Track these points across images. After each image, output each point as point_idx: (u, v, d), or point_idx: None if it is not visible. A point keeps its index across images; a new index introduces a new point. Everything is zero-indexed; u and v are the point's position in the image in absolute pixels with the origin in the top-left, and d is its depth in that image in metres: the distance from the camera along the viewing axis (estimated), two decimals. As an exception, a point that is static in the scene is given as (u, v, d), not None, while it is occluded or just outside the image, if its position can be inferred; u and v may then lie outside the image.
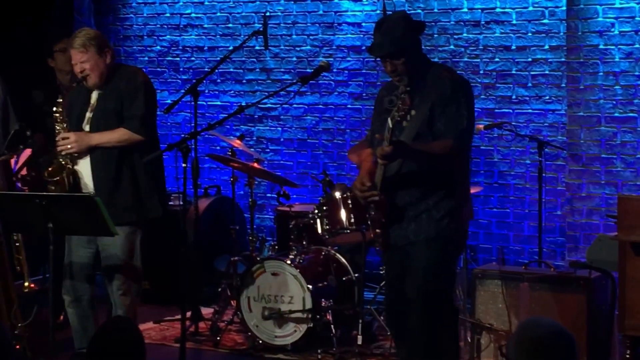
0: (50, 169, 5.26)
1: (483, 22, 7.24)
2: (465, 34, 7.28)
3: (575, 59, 6.81)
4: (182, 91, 6.32)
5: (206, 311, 6.59)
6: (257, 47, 7.91)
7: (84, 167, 5.33)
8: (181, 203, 5.43)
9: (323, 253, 6.19)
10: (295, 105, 7.90)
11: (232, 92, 8.18)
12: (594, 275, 5.42)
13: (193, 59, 8.30)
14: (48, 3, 7.87)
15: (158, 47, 8.41)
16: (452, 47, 7.26)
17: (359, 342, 5.82)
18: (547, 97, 7.10)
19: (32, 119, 6.32)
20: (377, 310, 6.24)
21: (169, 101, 6.97)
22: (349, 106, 7.78)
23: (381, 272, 6.26)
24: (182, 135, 5.21)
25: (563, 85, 6.99)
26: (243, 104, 6.78)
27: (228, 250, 6.79)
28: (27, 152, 6.11)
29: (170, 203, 7.32)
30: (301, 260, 6.02)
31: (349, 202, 6.01)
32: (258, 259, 6.13)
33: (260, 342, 5.98)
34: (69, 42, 5.37)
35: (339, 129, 7.82)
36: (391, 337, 5.72)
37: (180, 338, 5.23)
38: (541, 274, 5.67)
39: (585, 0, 6.75)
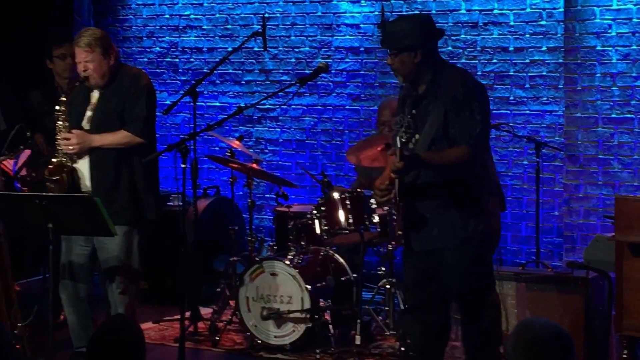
0: (50, 167, 5.28)
1: (481, 24, 7.27)
2: (463, 36, 7.31)
3: (573, 61, 6.83)
4: (181, 92, 6.33)
5: (205, 311, 6.60)
6: (256, 49, 7.93)
7: (83, 167, 5.35)
8: (180, 203, 5.46)
9: (321, 253, 6.21)
10: (293, 106, 7.92)
11: (231, 93, 8.20)
12: (591, 275, 5.44)
13: (192, 60, 8.32)
14: (48, 4, 7.88)
15: (157, 48, 8.43)
16: (450, 48, 7.28)
17: (357, 342, 5.83)
18: (545, 98, 7.12)
19: (31, 120, 6.33)
20: (375, 311, 6.26)
21: (168, 102, 6.98)
22: (347, 107, 7.80)
23: (379, 273, 6.29)
24: (181, 136, 5.24)
25: (560, 86, 7.01)
26: (242, 105, 6.86)
27: (227, 251, 6.81)
28: (27, 152, 6.13)
29: (170, 203, 7.36)
30: (300, 261, 6.04)
31: (347, 202, 6.04)
32: (257, 259, 6.14)
33: (259, 342, 5.99)
34: (75, 40, 5.38)
35: (338, 129, 7.84)
36: (397, 335, 5.76)
37: (180, 338, 5.25)
38: (539, 275, 5.69)
39: (583, 2, 6.77)
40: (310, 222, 6.16)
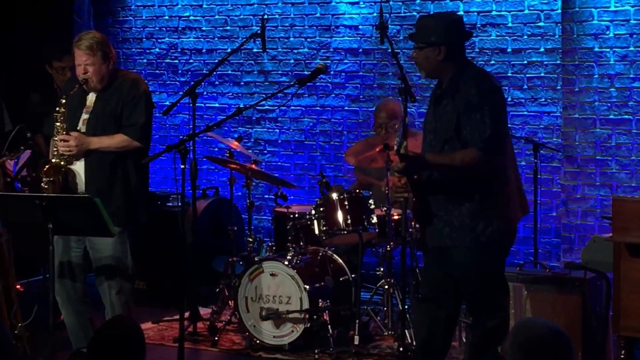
0: (46, 168, 5.29)
1: (479, 25, 7.29)
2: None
3: (571, 62, 6.85)
4: (181, 93, 6.36)
5: (204, 311, 6.62)
6: (255, 50, 7.95)
7: (79, 170, 5.36)
8: (180, 204, 5.47)
9: (320, 254, 6.22)
10: (292, 107, 7.94)
11: (230, 94, 8.22)
12: (589, 276, 5.43)
13: (191, 61, 8.34)
14: (48, 5, 7.90)
15: (157, 50, 8.45)
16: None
17: (356, 342, 5.86)
18: (543, 100, 7.14)
19: (30, 121, 6.35)
20: (374, 311, 6.28)
21: (167, 103, 7.00)
22: (346, 108, 7.82)
23: (378, 273, 6.31)
24: (181, 137, 5.25)
25: (558, 87, 7.03)
26: (241, 105, 6.87)
27: (226, 251, 6.82)
28: (27, 153, 6.15)
29: (169, 204, 7.37)
30: (298, 261, 6.06)
31: (346, 203, 6.06)
32: (256, 259, 6.16)
33: (258, 342, 6.01)
34: (74, 42, 5.40)
35: (336, 130, 7.86)
36: (396, 336, 5.80)
37: (179, 338, 5.26)
38: (536, 275, 5.69)
39: (581, 3, 6.79)
40: (309, 222, 6.18)
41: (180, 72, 8.37)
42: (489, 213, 4.59)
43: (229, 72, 8.16)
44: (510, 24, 7.20)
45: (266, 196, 8.02)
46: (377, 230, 6.12)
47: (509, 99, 7.21)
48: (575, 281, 5.45)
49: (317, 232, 6.13)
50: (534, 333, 3.11)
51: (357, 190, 6.28)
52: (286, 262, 5.99)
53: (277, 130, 8.04)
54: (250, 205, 6.52)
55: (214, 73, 6.89)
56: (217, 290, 6.61)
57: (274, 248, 6.42)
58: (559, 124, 7.02)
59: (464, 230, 4.59)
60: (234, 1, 8.11)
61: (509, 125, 6.96)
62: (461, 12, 7.30)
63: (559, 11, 6.96)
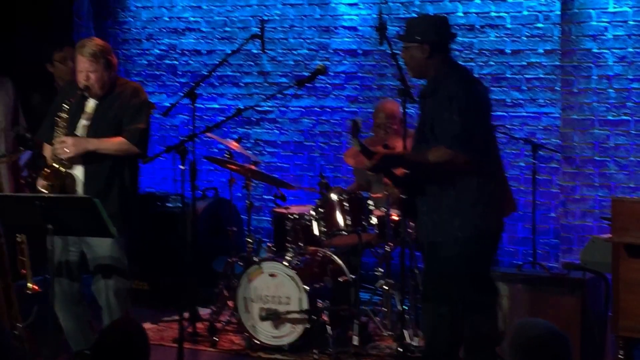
0: (45, 172, 5.28)
1: (478, 26, 7.30)
2: (460, 38, 7.29)
3: (569, 63, 6.86)
4: (180, 94, 6.38)
5: (204, 312, 6.63)
6: (254, 51, 7.95)
7: (77, 174, 5.35)
8: (179, 205, 5.49)
9: (319, 254, 6.23)
10: (292, 108, 7.95)
11: (229, 95, 8.22)
12: (588, 276, 5.45)
13: (191, 62, 8.35)
14: (48, 6, 7.91)
15: (156, 51, 8.46)
16: (447, 50, 7.30)
17: (355, 342, 5.87)
18: (541, 101, 7.15)
19: (31, 122, 6.36)
20: (373, 311, 6.28)
21: (167, 104, 7.01)
22: (345, 109, 7.83)
23: (377, 274, 6.32)
24: (180, 138, 5.27)
25: (557, 88, 7.04)
26: (240, 106, 6.86)
27: (225, 252, 6.83)
28: (28, 154, 6.16)
29: (169, 205, 7.38)
30: (298, 262, 6.07)
31: (345, 204, 6.07)
32: (255, 260, 6.17)
33: (257, 342, 6.02)
34: (77, 47, 5.39)
35: (336, 131, 7.87)
36: (395, 336, 5.83)
37: (178, 338, 5.29)
38: (535, 276, 5.70)
39: (579, 5, 6.80)
40: (308, 223, 6.19)
41: (179, 73, 8.38)
42: (467, 209, 4.66)
43: (229, 73, 8.17)
44: (509, 25, 7.21)
45: (265, 197, 8.03)
46: (376, 231, 6.14)
47: (508, 100, 7.22)
48: (574, 282, 5.46)
49: (316, 232, 6.14)
50: (533, 334, 3.13)
51: (356, 191, 6.30)
52: (285, 263, 6.00)
53: (277, 131, 8.05)
54: (249, 205, 6.53)
55: (214, 74, 6.90)
56: (217, 290, 6.62)
57: (273, 249, 6.42)
58: (558, 124, 7.03)
59: (444, 225, 4.68)
60: (233, 2, 8.12)
61: (508, 126, 7.03)
62: (460, 14, 7.33)
63: (558, 12, 6.98)
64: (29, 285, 5.73)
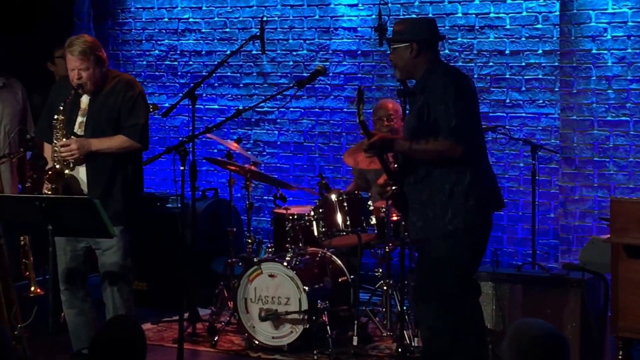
0: (48, 175, 5.29)
1: (477, 27, 7.31)
2: (459, 39, 7.35)
3: (569, 64, 6.87)
4: (180, 95, 6.37)
5: (204, 312, 6.64)
6: (254, 52, 7.97)
7: (80, 174, 5.37)
8: (179, 205, 5.50)
9: (319, 255, 6.24)
10: (291, 109, 7.96)
11: (229, 95, 8.23)
12: (587, 277, 5.45)
13: (191, 63, 8.35)
14: (48, 7, 7.91)
15: (156, 52, 8.47)
16: (446, 51, 7.32)
17: (355, 342, 5.88)
18: (541, 101, 7.16)
19: (32, 122, 6.37)
20: (373, 312, 6.29)
21: (167, 105, 7.01)
22: (344, 110, 7.84)
23: (376, 274, 6.32)
24: (180, 139, 5.28)
25: (556, 89, 7.05)
26: (240, 107, 6.86)
27: (225, 252, 6.84)
28: (28, 154, 6.16)
29: (169, 205, 7.39)
30: (297, 262, 6.07)
31: (345, 204, 6.08)
32: (255, 260, 6.18)
33: (257, 343, 6.03)
34: (66, 46, 5.40)
35: (335, 132, 7.88)
36: (394, 336, 5.84)
37: (178, 339, 5.29)
38: (534, 276, 5.71)
39: (578, 6, 6.81)
40: (308, 224, 6.19)
41: (179, 74, 8.39)
42: (459, 203, 4.68)
43: (228, 74, 8.18)
44: (508, 26, 7.21)
45: (265, 197, 8.04)
46: (375, 231, 6.14)
47: (507, 101, 7.23)
48: (573, 282, 5.47)
49: (316, 233, 6.15)
50: (532, 334, 3.13)
51: (356, 192, 6.30)
52: (285, 263, 6.01)
53: (276, 132, 8.06)
54: (249, 206, 6.54)
55: (214, 75, 6.91)
56: (217, 291, 6.63)
57: (273, 249, 6.43)
58: (557, 125, 7.04)
59: (435, 220, 4.70)
60: (233, 3, 8.12)
61: (508, 127, 7.03)
62: (459, 14, 7.33)
63: (557, 13, 6.98)
64: (32, 288, 5.75)
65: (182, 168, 5.17)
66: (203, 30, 8.26)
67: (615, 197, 6.42)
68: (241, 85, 8.17)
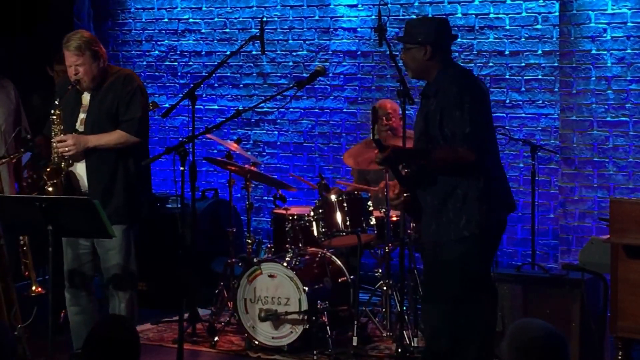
0: (47, 171, 5.31)
1: (477, 28, 7.31)
2: (459, 39, 7.32)
3: (568, 64, 6.87)
4: (180, 95, 6.38)
5: (203, 312, 6.64)
6: (254, 52, 7.97)
7: (80, 170, 5.39)
8: (179, 206, 5.50)
9: (319, 255, 6.24)
10: (291, 110, 7.96)
11: (229, 96, 8.24)
12: (587, 277, 5.46)
13: (191, 63, 8.36)
14: (48, 8, 7.92)
15: (156, 52, 8.47)
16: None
17: (354, 343, 5.88)
18: (540, 102, 7.16)
19: (31, 123, 6.37)
20: (372, 312, 6.30)
21: (167, 105, 7.01)
22: (344, 110, 7.84)
23: (376, 274, 6.33)
24: (180, 139, 5.28)
25: (556, 89, 7.06)
26: (240, 108, 6.88)
27: (225, 253, 6.84)
28: (28, 155, 6.16)
29: (168, 206, 7.40)
30: (297, 263, 6.08)
31: (345, 205, 6.08)
32: (255, 261, 6.18)
33: (257, 343, 6.03)
34: (63, 42, 5.41)
35: (335, 132, 7.88)
36: (394, 337, 5.84)
37: (178, 339, 5.30)
38: (534, 277, 5.72)
39: (578, 6, 6.81)
40: (307, 224, 6.20)
41: (179, 74, 8.40)
42: (473, 208, 4.67)
43: (228, 74, 8.19)
44: (507, 27, 7.22)
45: (265, 198, 8.04)
46: (375, 231, 6.15)
47: (507, 101, 7.23)
48: (572, 283, 5.47)
49: (315, 233, 6.15)
50: (531, 334, 3.13)
51: (356, 192, 6.31)
52: (285, 264, 6.01)
53: (276, 132, 8.07)
54: (249, 206, 6.54)
55: (213, 75, 6.91)
56: (216, 291, 6.63)
57: (272, 249, 6.43)
58: (557, 126, 7.04)
59: (449, 225, 4.69)
60: (233, 4, 8.13)
61: (507, 127, 7.04)
62: (459, 15, 7.34)
63: (557, 14, 6.99)
64: (33, 287, 5.75)
65: (182, 168, 5.17)
66: (203, 31, 8.27)
67: (615, 197, 6.42)
68: (241, 85, 8.17)
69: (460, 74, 4.84)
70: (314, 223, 6.14)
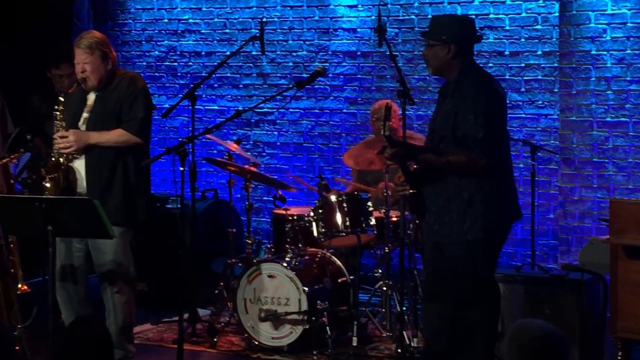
0: (46, 166, 5.32)
1: (477, 28, 7.29)
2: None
3: (568, 65, 6.88)
4: (180, 96, 6.38)
5: (203, 313, 6.64)
6: (253, 53, 7.98)
7: (79, 167, 5.39)
8: (179, 206, 5.50)
9: (319, 255, 6.24)
10: (291, 110, 7.96)
11: (229, 96, 8.24)
12: (586, 278, 5.46)
13: (191, 64, 8.36)
14: (48, 8, 7.92)
15: (156, 52, 8.48)
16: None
17: (354, 343, 5.88)
18: (540, 102, 7.17)
19: (30, 123, 6.37)
20: (372, 312, 6.30)
21: (166, 105, 7.02)
22: (344, 111, 7.85)
23: (376, 275, 6.33)
24: (180, 139, 5.28)
25: (556, 90, 7.06)
26: (240, 108, 6.88)
27: (225, 253, 6.84)
28: (27, 155, 6.17)
29: (168, 206, 7.40)
30: (297, 263, 6.08)
31: (344, 205, 6.08)
32: (254, 261, 6.18)
33: (257, 343, 6.03)
34: (75, 41, 5.43)
35: (335, 133, 7.88)
36: (394, 337, 5.84)
37: (178, 339, 5.30)
38: (534, 277, 5.72)
39: (578, 7, 6.82)
40: (307, 224, 6.20)
41: (179, 74, 8.40)
42: (478, 212, 4.66)
43: (228, 74, 8.19)
44: (507, 27, 7.22)
45: (265, 198, 8.04)
46: (375, 232, 6.15)
47: (507, 102, 7.21)
48: (572, 283, 5.48)
49: (315, 233, 6.15)
50: (531, 334, 3.13)
51: (355, 192, 6.31)
52: (285, 264, 6.01)
53: (276, 133, 8.07)
54: (249, 207, 6.54)
55: (213, 76, 6.91)
56: (216, 291, 6.63)
57: (272, 250, 6.44)
58: (557, 126, 7.04)
59: (452, 226, 4.68)
60: (233, 4, 8.13)
61: (507, 128, 7.02)
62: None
63: (557, 14, 6.99)
64: (19, 285, 5.74)
65: (181, 169, 5.17)
66: (203, 31, 8.27)
67: (615, 197, 6.44)
68: (241, 86, 8.17)
69: (481, 77, 4.81)
70: (313, 223, 6.14)
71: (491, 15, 7.26)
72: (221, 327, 6.30)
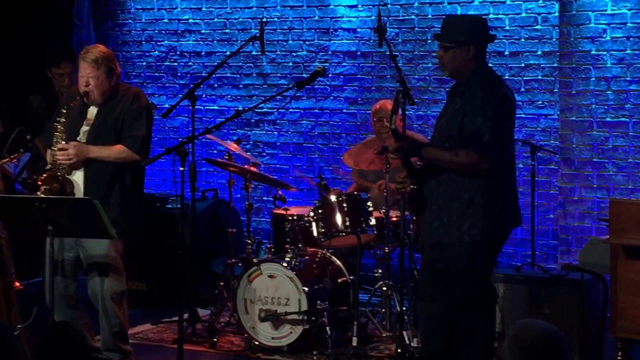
0: (42, 177, 5.28)
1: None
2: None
3: (568, 65, 6.88)
4: (180, 96, 6.38)
5: (203, 313, 6.64)
6: (253, 53, 7.98)
7: (77, 180, 5.36)
8: (179, 206, 5.50)
9: (319, 256, 6.24)
10: (291, 110, 7.96)
11: (229, 96, 8.24)
12: (586, 278, 5.47)
13: (191, 64, 8.36)
14: (47, 9, 7.92)
15: (156, 52, 8.48)
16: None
17: (354, 343, 5.88)
18: (540, 102, 7.17)
19: (30, 123, 6.37)
20: (372, 313, 6.30)
21: (166, 106, 7.02)
22: (344, 111, 7.85)
23: (376, 275, 6.33)
24: (180, 139, 5.27)
25: (555, 90, 7.06)
26: (240, 108, 6.89)
27: (225, 253, 6.85)
28: (27, 155, 6.16)
29: (168, 206, 7.40)
30: (297, 263, 6.08)
31: (344, 205, 6.08)
32: (254, 261, 6.18)
33: (257, 343, 6.03)
34: (81, 53, 5.42)
35: (335, 133, 7.89)
36: (394, 337, 5.84)
37: (178, 339, 5.29)
38: (534, 277, 5.72)
39: (578, 7, 6.82)
40: (307, 224, 6.20)
41: (179, 74, 8.40)
42: (478, 214, 4.66)
43: (228, 74, 8.19)
44: (507, 27, 7.22)
45: (265, 198, 8.04)
46: (375, 232, 6.15)
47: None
48: (572, 283, 5.48)
49: (315, 233, 6.15)
50: (532, 334, 3.14)
51: (355, 192, 6.31)
52: (285, 264, 6.01)
53: (276, 133, 8.07)
54: (249, 207, 6.54)
55: (213, 76, 6.91)
56: (216, 291, 6.63)
57: (272, 250, 6.43)
58: (556, 126, 7.05)
59: (450, 227, 4.68)
60: (233, 4, 8.14)
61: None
62: (459, 15, 7.34)
63: (556, 14, 6.99)
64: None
65: (181, 169, 5.17)
66: (203, 31, 8.27)
67: (615, 198, 6.43)
68: (241, 86, 8.18)
69: (492, 79, 4.80)
70: (313, 223, 6.14)
71: (491, 15, 7.26)
72: (221, 327, 6.31)
